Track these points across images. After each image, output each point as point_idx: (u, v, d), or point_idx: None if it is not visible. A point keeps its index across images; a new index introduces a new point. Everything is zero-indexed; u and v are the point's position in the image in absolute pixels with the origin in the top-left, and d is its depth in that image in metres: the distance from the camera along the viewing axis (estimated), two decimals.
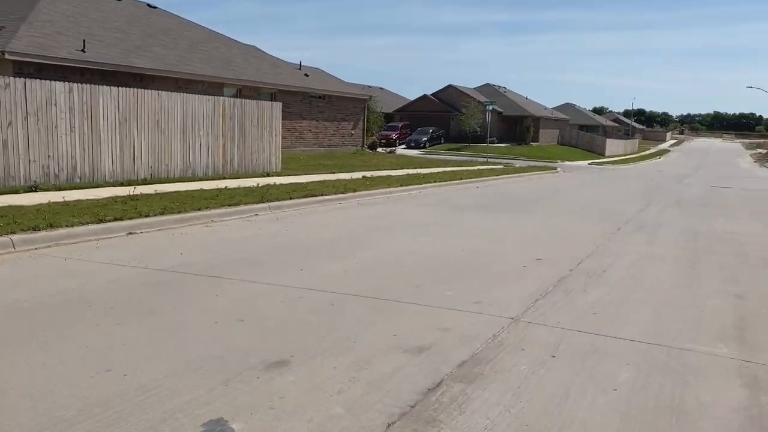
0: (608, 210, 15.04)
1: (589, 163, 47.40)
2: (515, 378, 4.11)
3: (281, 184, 15.57)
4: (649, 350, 4.79)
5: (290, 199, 13.01)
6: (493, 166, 32.61)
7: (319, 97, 32.84)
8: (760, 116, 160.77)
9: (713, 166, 51.10)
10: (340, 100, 34.20)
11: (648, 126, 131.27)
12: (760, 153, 74.12)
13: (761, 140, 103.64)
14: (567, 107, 78.31)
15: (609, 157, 59.13)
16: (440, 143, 55.77)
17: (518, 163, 38.44)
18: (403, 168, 26.04)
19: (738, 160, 63.68)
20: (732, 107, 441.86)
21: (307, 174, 19.59)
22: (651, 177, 32.31)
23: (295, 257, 7.82)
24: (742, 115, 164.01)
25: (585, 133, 63.46)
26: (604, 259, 8.46)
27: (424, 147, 53.17)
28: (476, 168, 29.47)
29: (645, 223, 12.91)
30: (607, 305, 6.11)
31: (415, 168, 26.40)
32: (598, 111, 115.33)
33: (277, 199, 12.70)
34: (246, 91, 26.87)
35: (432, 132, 55.52)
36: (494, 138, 56.03)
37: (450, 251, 8.64)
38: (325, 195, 14.10)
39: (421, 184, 19.25)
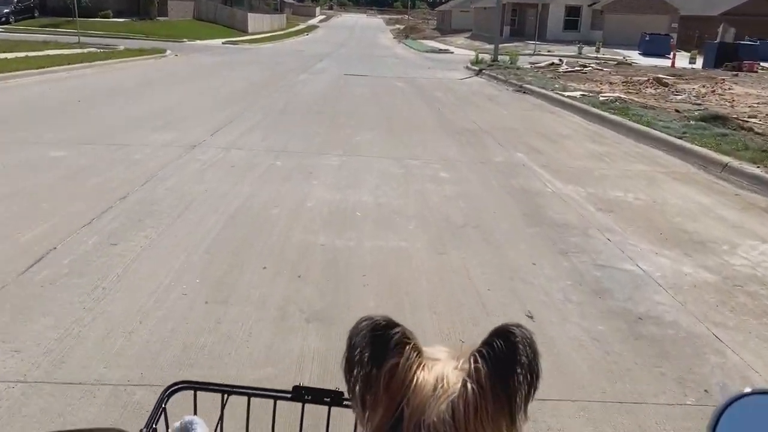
0: (135, 149, 7.40)
1: (223, 42, 39.16)
2: None
3: None
4: None
5: None
6: (79, 50, 22.42)
7: None
8: None
9: (356, 43, 47.37)
10: None
11: (300, 1, 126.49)
12: (399, 29, 74.50)
13: (399, 16, 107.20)
14: None
15: (253, 34, 51.54)
16: (33, 17, 41.28)
17: (125, 44, 28.30)
18: None
19: (380, 36, 62.04)
20: None
21: None
22: (282, 60, 25.70)
23: None
24: None
25: (225, 7, 54.30)
26: None
27: (6, 22, 38.50)
28: (26, 55, 19.09)
29: (163, 197, 5.58)
30: None
31: None
32: None
33: None
34: None
35: (18, 2, 40.52)
36: (109, 11, 43.64)
37: None
38: None
39: None
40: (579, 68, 23.75)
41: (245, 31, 51.40)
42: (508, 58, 25.59)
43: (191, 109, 10.73)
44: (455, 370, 0.73)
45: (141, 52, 24.30)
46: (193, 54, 27.18)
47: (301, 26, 72.89)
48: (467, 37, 54.29)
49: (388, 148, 8.38)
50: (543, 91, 15.91)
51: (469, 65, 25.70)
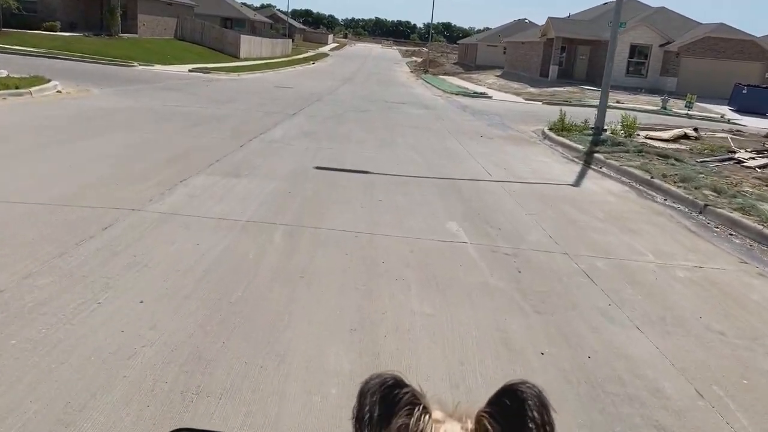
0: None
1: (190, 70, 27.82)
2: None
3: None
4: None
5: None
6: None
7: None
8: (415, 24, 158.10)
9: (365, 78, 35.94)
10: None
11: (314, 28, 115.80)
12: (416, 62, 63.31)
13: (415, 48, 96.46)
14: None
15: (245, 59, 40.36)
16: None
17: (30, 67, 16.91)
18: None
19: (395, 70, 50.67)
20: (392, 14, 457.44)
21: None
22: (230, 111, 13.96)
23: None
24: (399, 23, 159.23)
25: (215, 27, 43.04)
26: None
27: None
28: None
29: None
30: None
31: None
32: (265, 8, 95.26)
33: None
34: None
35: None
36: (56, 23, 32.42)
37: None
38: None
39: None
40: None
41: (236, 56, 40.22)
42: (619, 123, 13.88)
43: None
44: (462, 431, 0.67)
45: None
46: (102, 88, 15.67)
47: (309, 54, 61.70)
48: (498, 76, 42.74)
49: None
50: None
51: (546, 131, 14.05)
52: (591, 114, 16.45)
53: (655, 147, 12.20)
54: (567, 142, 12.56)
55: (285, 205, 5.98)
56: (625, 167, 9.75)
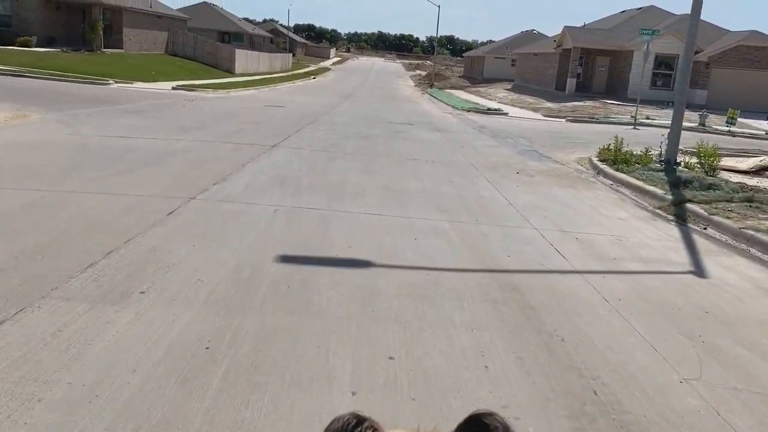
0: None
1: (174, 87, 24.68)
2: None
3: None
4: None
5: None
6: None
7: None
8: (417, 38, 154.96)
9: (368, 93, 32.75)
10: None
11: (317, 42, 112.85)
12: (420, 75, 60.22)
13: (419, 61, 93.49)
14: (202, 8, 53.30)
15: (240, 75, 37.29)
16: None
17: None
18: None
19: (399, 84, 47.53)
20: (394, 28, 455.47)
21: None
22: (198, 141, 10.77)
23: None
24: (402, 36, 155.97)
25: (208, 41, 39.88)
26: None
27: None
28: None
29: None
30: None
31: None
32: (267, 22, 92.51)
33: None
34: None
35: None
36: (32, 38, 29.38)
37: None
38: None
39: None
40: None
41: (230, 71, 37.17)
42: (696, 154, 10.57)
43: None
44: None
45: None
46: (48, 113, 12.47)
47: (310, 68, 58.65)
48: (508, 89, 39.46)
49: None
50: None
51: (597, 163, 10.76)
52: (626, 132, 13.21)
53: (757, 187, 8.86)
54: (634, 182, 9.23)
55: (179, 410, 2.63)
56: (751, 232, 6.39)
